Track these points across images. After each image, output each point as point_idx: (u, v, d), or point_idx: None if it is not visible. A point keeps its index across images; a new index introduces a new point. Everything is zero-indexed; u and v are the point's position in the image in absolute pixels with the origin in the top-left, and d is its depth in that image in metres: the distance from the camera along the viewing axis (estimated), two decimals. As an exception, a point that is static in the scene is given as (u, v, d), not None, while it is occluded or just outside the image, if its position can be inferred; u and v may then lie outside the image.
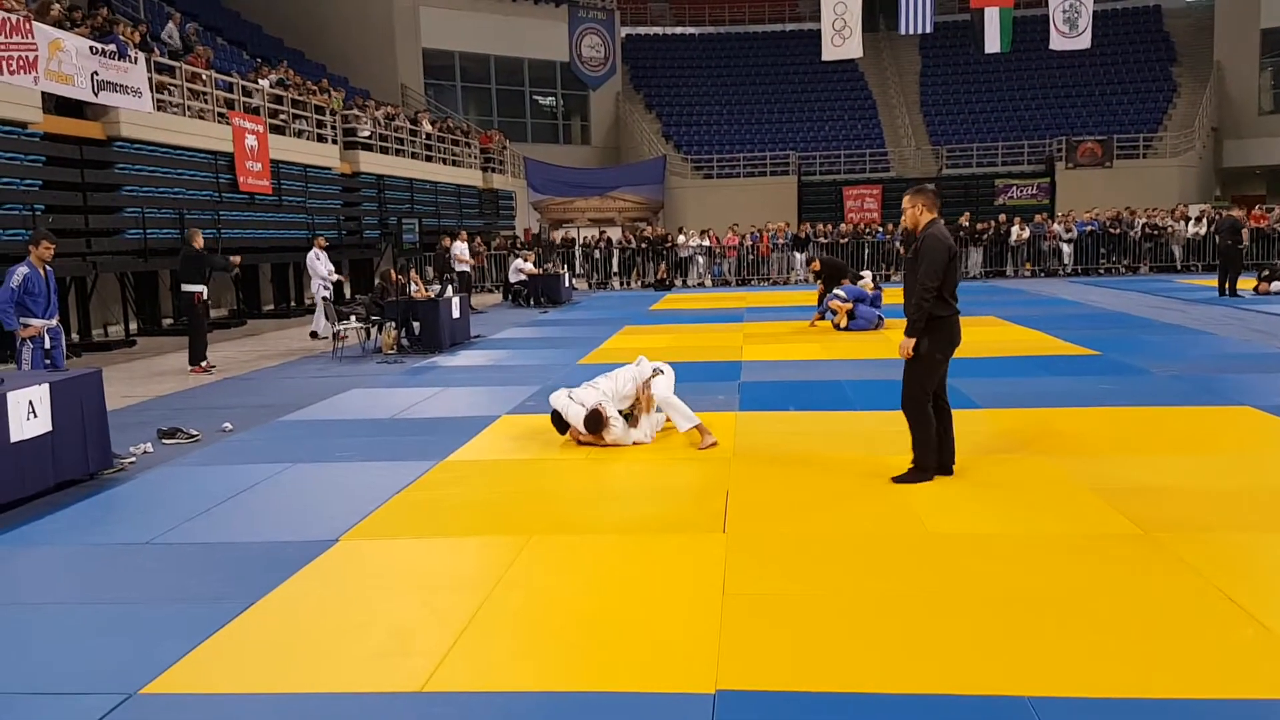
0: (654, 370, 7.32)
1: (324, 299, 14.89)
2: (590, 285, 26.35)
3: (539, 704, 3.35)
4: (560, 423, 7.24)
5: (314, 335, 15.32)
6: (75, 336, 15.06)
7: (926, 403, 5.85)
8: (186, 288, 11.92)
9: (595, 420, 7.01)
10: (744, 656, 3.63)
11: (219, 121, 17.00)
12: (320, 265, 16.03)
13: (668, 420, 7.30)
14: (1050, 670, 3.42)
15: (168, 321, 17.58)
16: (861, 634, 3.80)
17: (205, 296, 12.07)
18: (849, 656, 3.61)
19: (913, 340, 5.77)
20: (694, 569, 4.58)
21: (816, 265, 16.19)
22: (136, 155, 14.97)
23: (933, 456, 5.87)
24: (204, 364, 11.80)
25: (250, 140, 17.53)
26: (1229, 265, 17.53)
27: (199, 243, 12.08)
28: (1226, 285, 17.35)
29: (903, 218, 6.07)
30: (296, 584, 4.55)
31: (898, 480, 5.86)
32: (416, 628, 3.99)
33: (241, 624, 4.09)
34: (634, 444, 7.09)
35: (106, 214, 14.43)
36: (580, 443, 7.16)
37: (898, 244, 23.95)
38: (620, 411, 7.16)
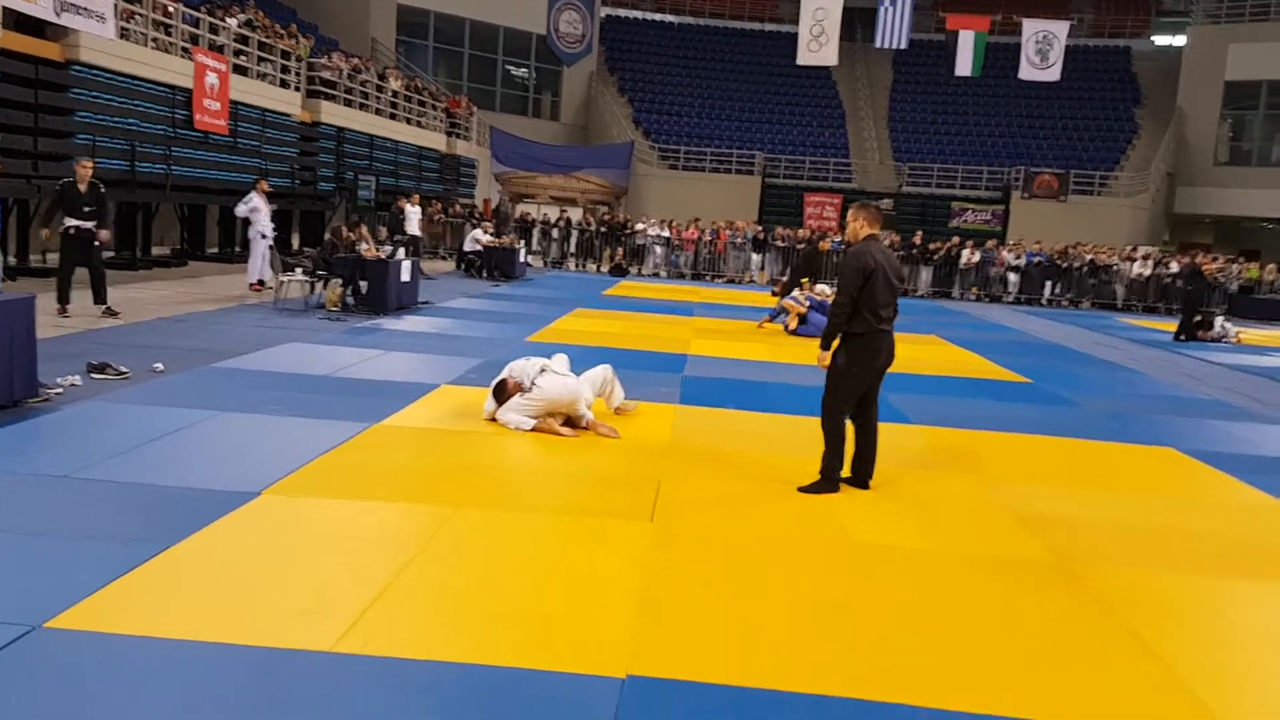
0: (537, 373, 7.10)
1: (270, 247, 14.60)
2: (545, 263, 26.24)
3: (448, 674, 3.35)
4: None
5: (262, 284, 14.88)
6: (13, 259, 14.68)
7: (840, 415, 5.94)
8: (68, 221, 10.76)
9: (500, 389, 7.09)
10: (657, 644, 3.66)
11: (181, 56, 16.63)
12: (251, 204, 14.92)
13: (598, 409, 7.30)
14: (953, 685, 3.51)
15: (108, 254, 17.18)
16: (773, 632, 3.86)
17: (74, 231, 10.70)
18: (758, 652, 3.66)
19: (826, 353, 5.90)
20: (617, 555, 4.61)
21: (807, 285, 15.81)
22: (93, 81, 14.59)
23: (839, 468, 5.95)
24: (107, 307, 10.84)
25: (211, 78, 17.17)
26: (1192, 309, 17.85)
27: (83, 174, 10.84)
28: (1186, 330, 17.62)
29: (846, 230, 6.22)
30: (215, 532, 4.50)
31: (804, 490, 5.91)
32: (333, 588, 3.97)
33: (155, 566, 4.04)
34: (515, 429, 6.94)
35: (57, 138, 14.05)
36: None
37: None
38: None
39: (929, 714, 3.28)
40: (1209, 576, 4.98)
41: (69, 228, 10.78)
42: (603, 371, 7.56)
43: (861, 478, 6.04)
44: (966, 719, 3.28)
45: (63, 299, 10.79)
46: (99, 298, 10.94)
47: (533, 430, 6.89)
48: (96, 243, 10.98)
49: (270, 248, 14.57)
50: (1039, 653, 3.86)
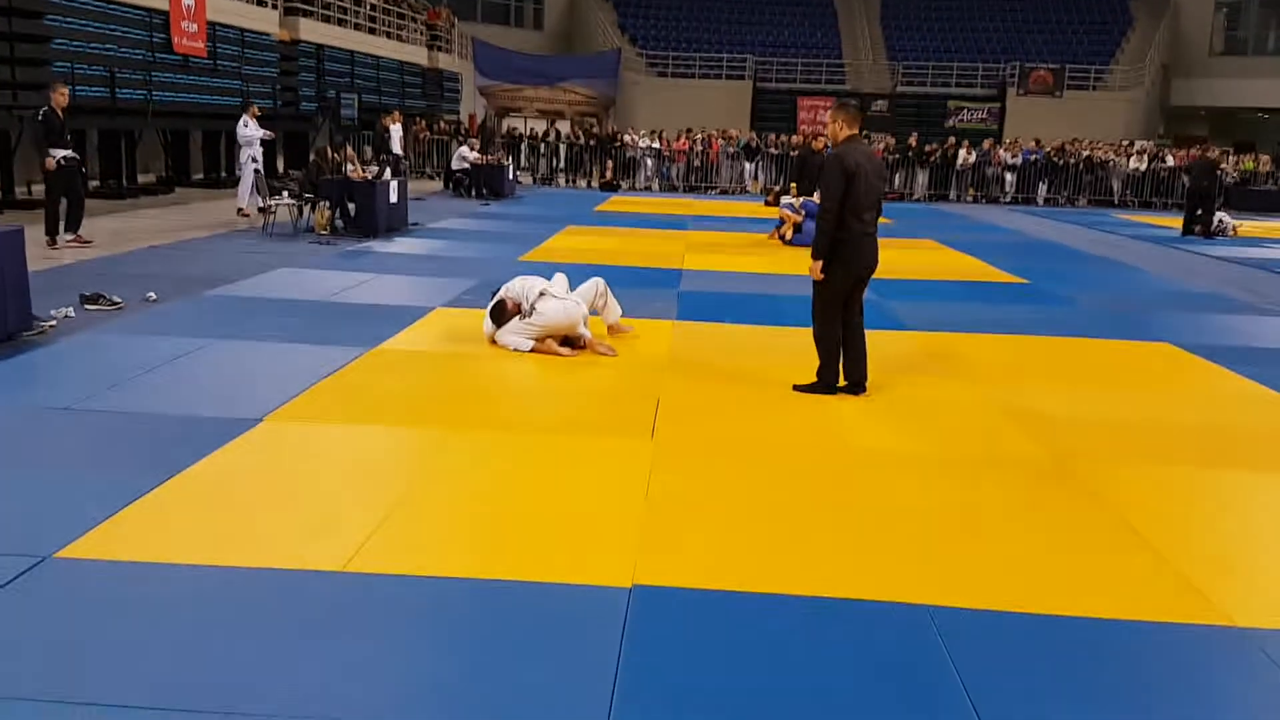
0: (536, 296, 7.06)
1: (256, 171, 14.40)
2: (535, 179, 25.94)
3: (458, 589, 3.41)
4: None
5: (241, 212, 14.69)
6: (-5, 193, 14.50)
7: (830, 320, 5.99)
8: (58, 152, 10.54)
9: (499, 310, 7.01)
10: (661, 555, 3.72)
11: (154, -24, 16.21)
12: (252, 130, 14.92)
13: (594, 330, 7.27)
14: (951, 583, 3.57)
15: (93, 184, 16.98)
16: (776, 539, 3.91)
17: (64, 161, 10.57)
18: (762, 559, 3.72)
19: (819, 263, 5.86)
20: (620, 471, 4.65)
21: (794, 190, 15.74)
22: (67, 7, 14.25)
23: (833, 373, 6.04)
24: (78, 235, 10.79)
25: (187, -1, 16.76)
26: (1201, 204, 17.40)
27: (60, 100, 10.65)
28: (1197, 227, 17.22)
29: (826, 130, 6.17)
30: (219, 459, 4.52)
31: (799, 389, 6.08)
32: (339, 510, 4.01)
33: (161, 494, 4.07)
34: (514, 350, 6.94)
35: (34, 67, 13.75)
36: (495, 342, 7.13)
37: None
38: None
39: (932, 611, 3.34)
40: (1203, 469, 5.03)
41: (61, 158, 10.61)
42: (594, 285, 7.50)
43: (856, 381, 6.08)
44: (968, 614, 3.34)
45: (53, 231, 10.69)
46: (75, 225, 10.88)
47: (531, 351, 6.89)
48: (84, 169, 10.92)
49: (256, 172, 14.38)
50: (1037, 549, 3.92)
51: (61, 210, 10.72)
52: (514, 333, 6.96)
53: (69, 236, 10.79)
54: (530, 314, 6.95)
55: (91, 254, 10.28)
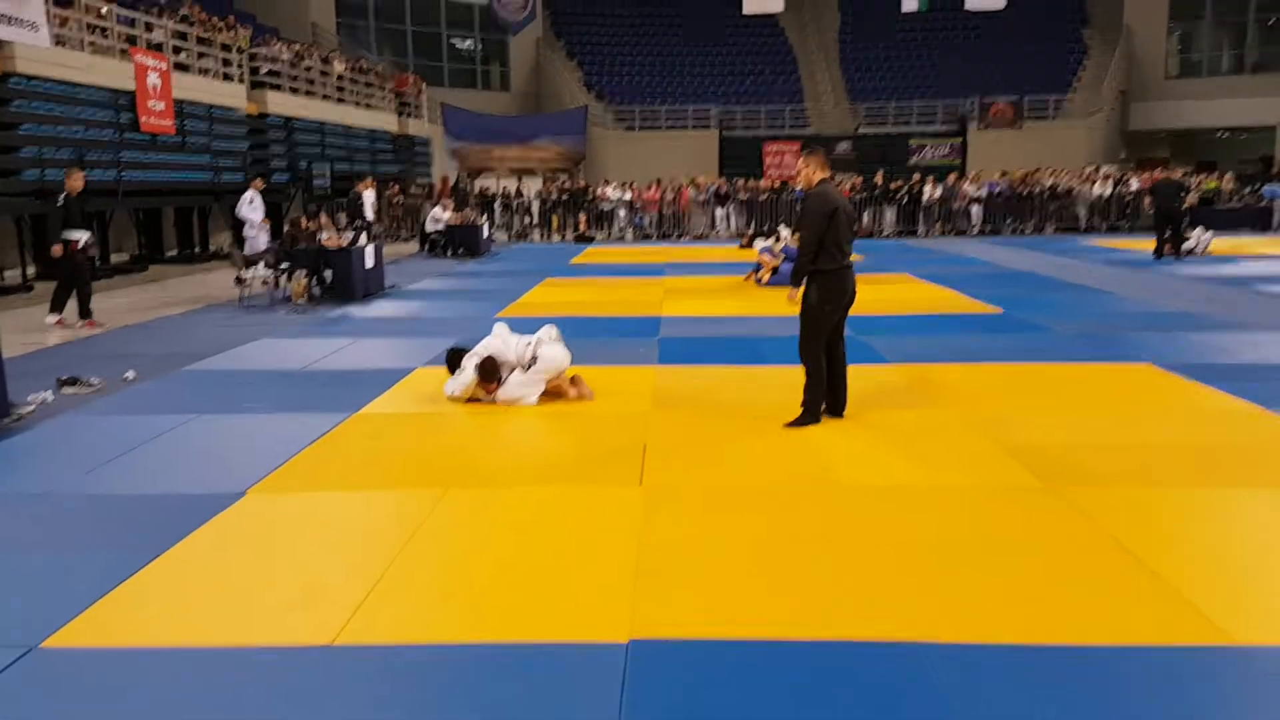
0: (533, 347, 7.15)
1: (233, 245, 14.38)
2: (509, 236, 26.05)
3: (452, 655, 3.35)
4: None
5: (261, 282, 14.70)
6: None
7: (817, 350, 6.26)
8: (67, 234, 10.65)
9: (489, 368, 7.00)
10: (657, 606, 3.68)
11: (120, 58, 16.31)
12: (254, 212, 14.89)
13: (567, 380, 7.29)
14: (951, 617, 3.54)
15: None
16: (772, 583, 3.88)
17: (83, 244, 10.77)
18: (759, 605, 3.68)
19: (797, 290, 6.26)
20: (610, 521, 4.61)
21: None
22: (34, 92, 14.30)
23: (820, 401, 6.28)
24: (78, 319, 10.83)
25: (153, 78, 16.85)
26: (1170, 225, 17.45)
27: (77, 185, 10.84)
28: (1167, 246, 17.27)
29: (798, 176, 6.59)
30: (203, 536, 4.46)
31: (789, 425, 6.22)
32: (328, 581, 3.95)
33: (147, 576, 4.00)
34: (527, 403, 6.98)
35: (2, 153, 13.77)
36: (475, 398, 7.11)
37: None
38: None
39: (935, 648, 3.31)
40: (1194, 487, 5.04)
41: (86, 243, 10.78)
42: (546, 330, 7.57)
43: (837, 406, 6.39)
44: (971, 649, 3.31)
45: (84, 314, 10.87)
46: (60, 308, 10.91)
47: (543, 395, 7.02)
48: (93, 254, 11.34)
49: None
50: (1034, 577, 3.90)
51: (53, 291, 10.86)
52: (522, 385, 7.02)
53: (54, 318, 10.79)
54: (533, 364, 7.06)
55: (69, 336, 10.22)
